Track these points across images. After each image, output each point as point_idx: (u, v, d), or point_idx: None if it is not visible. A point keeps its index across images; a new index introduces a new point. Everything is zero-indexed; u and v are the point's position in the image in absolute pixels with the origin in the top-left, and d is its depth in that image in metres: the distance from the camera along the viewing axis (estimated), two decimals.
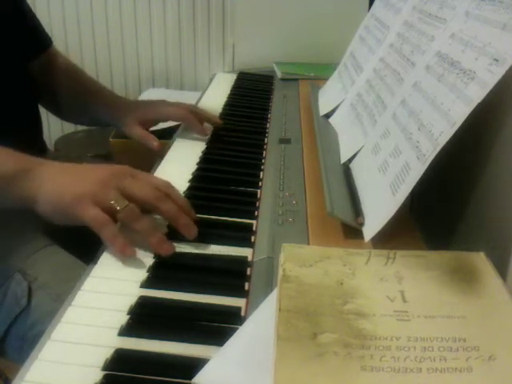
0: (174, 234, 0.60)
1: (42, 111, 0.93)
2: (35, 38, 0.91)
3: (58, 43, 0.99)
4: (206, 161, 0.81)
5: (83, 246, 0.65)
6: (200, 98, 1.16)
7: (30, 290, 0.69)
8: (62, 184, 0.58)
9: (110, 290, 0.51)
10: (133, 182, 0.58)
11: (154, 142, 0.86)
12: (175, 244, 0.58)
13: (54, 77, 0.95)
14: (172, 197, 0.59)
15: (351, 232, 0.58)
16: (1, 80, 0.79)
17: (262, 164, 0.79)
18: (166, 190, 0.59)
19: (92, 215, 0.54)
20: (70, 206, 0.55)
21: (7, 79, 0.79)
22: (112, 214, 0.55)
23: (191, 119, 0.90)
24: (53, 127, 1.91)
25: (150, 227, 0.56)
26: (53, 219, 0.58)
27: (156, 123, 0.93)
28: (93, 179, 0.57)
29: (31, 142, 0.66)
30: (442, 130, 0.50)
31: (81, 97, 0.96)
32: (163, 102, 0.95)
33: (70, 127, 1.97)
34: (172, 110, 0.91)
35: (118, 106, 0.94)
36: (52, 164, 0.62)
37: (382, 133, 0.64)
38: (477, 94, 0.48)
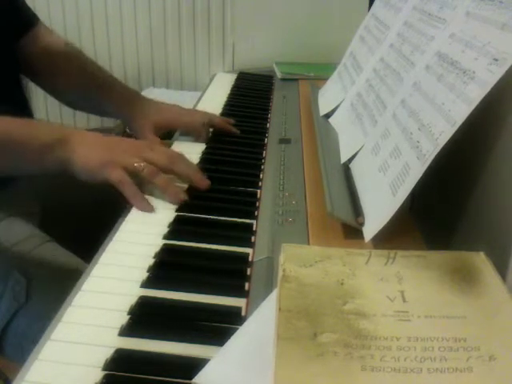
0: (174, 233, 0.60)
1: (41, 111, 0.92)
2: (19, 18, 0.87)
3: None
4: (206, 161, 0.81)
5: (82, 243, 0.66)
6: (200, 98, 1.16)
7: (28, 287, 0.69)
8: (92, 151, 0.67)
9: (110, 289, 0.51)
10: (151, 152, 0.69)
11: None
12: (176, 243, 0.58)
13: (46, 55, 0.91)
14: (184, 162, 0.71)
15: (351, 232, 0.58)
16: None
17: (262, 164, 0.79)
18: (179, 158, 0.71)
19: (118, 176, 0.65)
20: (99, 170, 0.65)
21: None
22: (135, 174, 0.66)
23: (205, 135, 0.89)
24: None
25: (167, 181, 0.68)
26: (84, 179, 0.67)
27: (168, 130, 0.92)
28: (119, 148, 0.69)
29: None
30: (442, 129, 0.50)
31: (89, 84, 0.93)
32: (180, 110, 0.93)
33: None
34: (190, 121, 0.90)
35: (135, 104, 0.92)
36: (83, 133, 0.71)
37: (382, 133, 0.64)
38: (477, 93, 0.48)
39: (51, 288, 0.68)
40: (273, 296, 0.46)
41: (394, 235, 0.54)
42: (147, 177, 0.67)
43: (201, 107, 1.05)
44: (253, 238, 0.60)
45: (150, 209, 0.65)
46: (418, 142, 0.54)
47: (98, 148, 0.68)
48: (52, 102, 1.73)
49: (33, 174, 0.74)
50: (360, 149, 0.69)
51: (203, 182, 0.70)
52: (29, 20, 0.91)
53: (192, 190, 0.70)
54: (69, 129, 0.71)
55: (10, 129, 0.67)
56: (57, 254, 0.75)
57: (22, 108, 0.88)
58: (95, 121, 1.92)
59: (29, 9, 0.92)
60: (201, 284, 0.51)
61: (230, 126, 0.93)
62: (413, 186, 0.51)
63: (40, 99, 0.97)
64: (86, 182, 0.67)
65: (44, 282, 0.70)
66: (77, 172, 0.67)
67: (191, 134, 0.91)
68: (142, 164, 0.66)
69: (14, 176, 0.82)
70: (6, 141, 0.66)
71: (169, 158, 0.70)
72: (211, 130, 0.92)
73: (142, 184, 0.68)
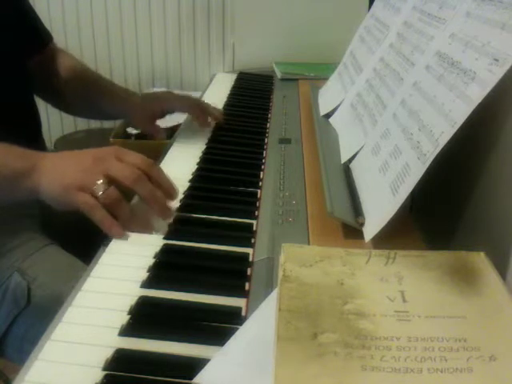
0: (174, 233, 0.60)
1: (42, 111, 0.93)
2: (35, 35, 0.91)
3: (58, 43, 0.99)
4: (206, 161, 0.81)
5: (83, 245, 0.66)
6: (200, 98, 1.16)
7: (29, 290, 0.70)
8: (54, 176, 0.62)
9: (111, 289, 0.51)
10: (115, 164, 0.61)
11: (159, 134, 0.96)
12: (176, 243, 0.58)
13: (58, 72, 0.95)
14: (153, 177, 0.62)
15: (351, 232, 0.58)
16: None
17: (262, 164, 0.79)
18: (148, 171, 0.62)
19: (82, 201, 0.59)
20: (61, 196, 0.60)
21: (5, 76, 0.79)
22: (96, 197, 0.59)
23: (196, 111, 0.95)
24: (53, 127, 1.91)
25: (128, 215, 0.60)
26: (54, 206, 0.62)
27: (163, 115, 0.97)
28: (78, 167, 0.61)
29: (29, 140, 0.66)
30: (443, 130, 0.50)
31: (90, 93, 0.97)
32: (169, 94, 1.00)
33: (70, 127, 1.97)
34: (178, 102, 0.96)
35: (127, 101, 0.96)
36: (48, 156, 0.66)
37: (382, 133, 0.64)
38: (477, 94, 0.48)
39: (52, 291, 0.68)
40: (273, 296, 0.46)
41: (394, 235, 0.54)
42: (105, 205, 0.59)
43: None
44: (253, 238, 0.60)
45: (120, 234, 0.59)
46: (419, 142, 0.54)
47: (60, 172, 0.62)
48: None
49: (7, 202, 0.68)
50: (360, 149, 0.69)
51: (165, 212, 0.62)
52: (43, 38, 0.94)
53: (192, 190, 0.70)
54: (37, 154, 0.65)
55: None
56: (57, 256, 0.75)
57: (32, 125, 0.90)
58: (96, 121, 1.92)
59: (44, 27, 0.95)
60: (201, 284, 0.51)
61: (220, 115, 0.97)
62: (413, 186, 0.51)
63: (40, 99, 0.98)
64: (57, 209, 0.62)
65: (45, 284, 0.70)
66: (47, 201, 0.63)
67: (188, 113, 0.98)
68: (102, 186, 0.59)
69: None
70: None
71: (134, 171, 0.60)
72: (213, 122, 0.96)
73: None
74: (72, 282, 0.52)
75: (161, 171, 0.65)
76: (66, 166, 0.63)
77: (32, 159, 0.64)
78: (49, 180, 0.62)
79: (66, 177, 0.61)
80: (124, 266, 0.54)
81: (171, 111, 0.97)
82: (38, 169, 0.63)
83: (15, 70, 0.83)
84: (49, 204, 0.63)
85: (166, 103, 0.96)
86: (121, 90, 1.00)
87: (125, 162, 0.61)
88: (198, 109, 0.95)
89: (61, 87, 0.95)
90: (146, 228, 0.61)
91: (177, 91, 1.12)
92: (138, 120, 0.97)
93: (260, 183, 0.73)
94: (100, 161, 0.61)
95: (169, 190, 0.64)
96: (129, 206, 0.61)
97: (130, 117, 0.98)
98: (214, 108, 0.99)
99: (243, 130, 0.94)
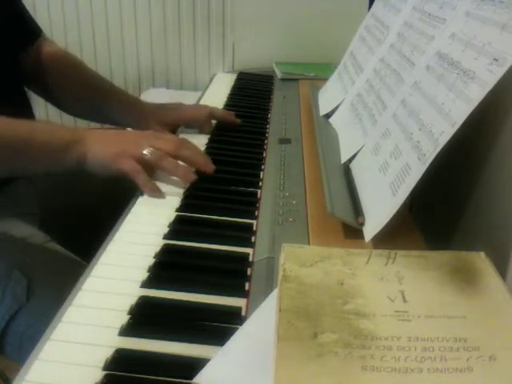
0: (174, 233, 0.60)
1: (42, 111, 0.93)
2: (24, 29, 0.90)
3: (58, 43, 0.99)
4: None
5: (83, 244, 0.66)
6: (200, 98, 1.16)
7: (28, 287, 0.70)
8: (105, 146, 0.72)
9: (111, 289, 0.51)
10: (157, 139, 0.73)
11: None
12: (176, 243, 0.58)
13: (50, 66, 0.94)
14: (190, 149, 0.74)
15: (351, 232, 0.58)
16: None
17: (262, 164, 0.79)
18: (185, 144, 0.75)
19: (129, 166, 0.69)
20: (111, 162, 0.70)
21: None
22: (144, 162, 0.69)
23: (208, 127, 0.93)
24: None
25: (175, 163, 0.71)
26: (99, 173, 0.71)
27: (176, 127, 0.94)
28: (127, 140, 0.73)
29: None
30: (443, 130, 0.50)
31: (92, 93, 0.95)
32: (182, 106, 0.96)
33: None
34: (192, 115, 0.94)
35: (136, 109, 0.94)
36: (95, 132, 0.74)
37: (383, 133, 0.65)
38: (477, 93, 0.48)
39: (52, 288, 0.68)
40: (273, 296, 0.46)
41: (394, 235, 0.54)
42: (155, 161, 0.70)
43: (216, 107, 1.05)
44: (253, 238, 0.60)
45: (160, 195, 0.69)
46: (419, 142, 0.54)
47: (109, 143, 0.72)
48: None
49: (48, 173, 0.76)
50: (360, 149, 0.69)
51: (209, 166, 0.74)
52: (33, 31, 0.93)
53: (192, 190, 0.70)
54: (83, 129, 0.74)
55: (34, 130, 0.71)
56: (57, 254, 0.76)
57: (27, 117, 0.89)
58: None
59: (33, 20, 0.94)
60: (201, 284, 0.51)
61: (232, 117, 0.96)
62: (413, 186, 0.51)
63: (40, 98, 0.98)
64: (100, 175, 0.71)
65: (45, 281, 0.70)
66: (93, 168, 0.71)
67: (195, 126, 0.94)
68: (150, 150, 0.70)
69: (14, 177, 0.82)
70: (32, 142, 0.69)
71: (174, 143, 0.73)
72: (214, 122, 0.94)
73: (153, 172, 0.72)
74: (72, 280, 0.52)
75: (194, 145, 0.76)
76: (113, 139, 0.73)
77: (79, 132, 0.73)
78: (98, 148, 0.71)
79: (115, 145, 0.71)
80: (124, 266, 0.54)
81: (185, 123, 0.94)
82: (86, 141, 0.71)
83: (6, 65, 0.82)
84: (93, 171, 0.71)
85: (179, 115, 0.94)
86: (121, 93, 0.97)
87: (164, 138, 0.73)
88: (210, 124, 0.93)
89: (51, 77, 0.94)
90: (187, 178, 0.71)
91: (177, 91, 1.12)
92: (148, 129, 0.90)
93: (260, 183, 0.73)
94: (143, 137, 0.73)
95: (205, 157, 0.76)
96: (175, 161, 0.71)
97: (138, 124, 0.92)
98: (228, 115, 0.96)
99: (243, 130, 0.94)
